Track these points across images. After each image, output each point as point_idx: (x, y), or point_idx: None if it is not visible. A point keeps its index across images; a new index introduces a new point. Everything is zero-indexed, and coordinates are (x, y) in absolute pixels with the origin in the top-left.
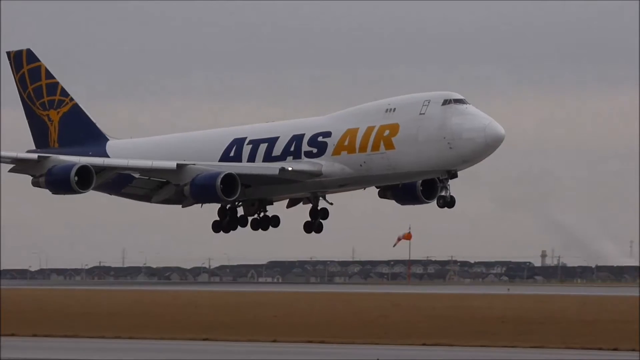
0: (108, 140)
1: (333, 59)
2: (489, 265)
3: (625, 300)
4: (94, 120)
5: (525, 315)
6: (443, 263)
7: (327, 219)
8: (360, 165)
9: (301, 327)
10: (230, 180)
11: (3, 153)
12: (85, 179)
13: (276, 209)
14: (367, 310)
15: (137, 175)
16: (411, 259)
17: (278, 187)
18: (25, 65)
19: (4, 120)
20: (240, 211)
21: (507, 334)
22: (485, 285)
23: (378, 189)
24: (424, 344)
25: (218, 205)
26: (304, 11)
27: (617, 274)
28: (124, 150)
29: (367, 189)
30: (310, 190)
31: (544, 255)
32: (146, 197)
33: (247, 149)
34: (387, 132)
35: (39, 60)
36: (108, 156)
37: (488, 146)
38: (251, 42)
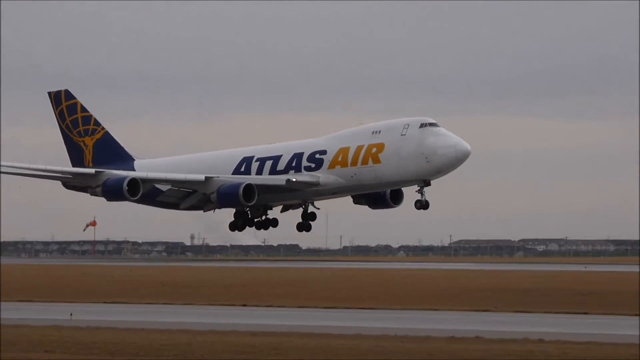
0: (134, 160)
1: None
2: (153, 244)
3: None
4: (122, 144)
5: (181, 281)
6: (119, 242)
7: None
8: (352, 177)
9: None
10: (249, 189)
11: (67, 169)
12: (133, 189)
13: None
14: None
15: (168, 187)
16: (96, 239)
17: (283, 194)
18: (64, 102)
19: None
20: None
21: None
22: (150, 260)
23: (352, 197)
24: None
25: (232, 210)
26: None
27: (245, 250)
28: (149, 167)
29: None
30: (308, 197)
31: (192, 237)
32: (175, 205)
33: (255, 165)
34: (374, 149)
35: (75, 98)
36: None
37: (458, 160)
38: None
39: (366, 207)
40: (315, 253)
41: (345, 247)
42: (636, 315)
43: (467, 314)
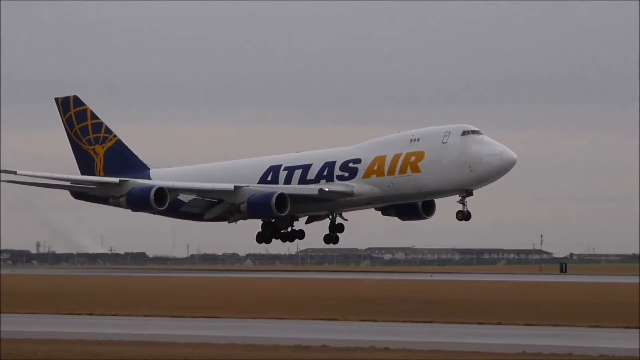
0: (149, 169)
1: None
2: None
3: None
4: (136, 153)
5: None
6: None
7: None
8: (388, 186)
9: None
10: (281, 199)
11: (89, 178)
12: (160, 199)
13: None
14: None
15: (192, 197)
16: None
17: (314, 204)
18: (73, 109)
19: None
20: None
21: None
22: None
23: (382, 208)
24: None
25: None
26: None
27: (92, 259)
28: (167, 177)
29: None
30: (341, 208)
31: (38, 245)
32: (199, 216)
33: (283, 174)
34: (413, 158)
35: (84, 105)
36: None
37: (503, 168)
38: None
39: (395, 218)
40: (162, 261)
41: (192, 256)
42: (479, 323)
43: (313, 322)
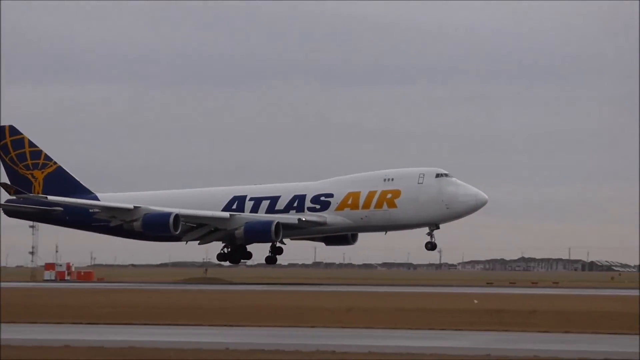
0: (92, 194)
1: None
2: None
3: None
4: (77, 179)
5: None
6: None
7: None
8: (361, 219)
9: None
10: (278, 227)
11: (104, 203)
12: (176, 224)
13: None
14: None
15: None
16: None
17: (289, 231)
18: (8, 137)
19: None
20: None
21: None
22: None
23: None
24: None
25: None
26: None
27: None
28: (119, 201)
29: None
30: (312, 235)
31: None
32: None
33: (249, 204)
34: (389, 195)
35: (21, 134)
36: None
37: (477, 207)
38: None
39: (320, 243)
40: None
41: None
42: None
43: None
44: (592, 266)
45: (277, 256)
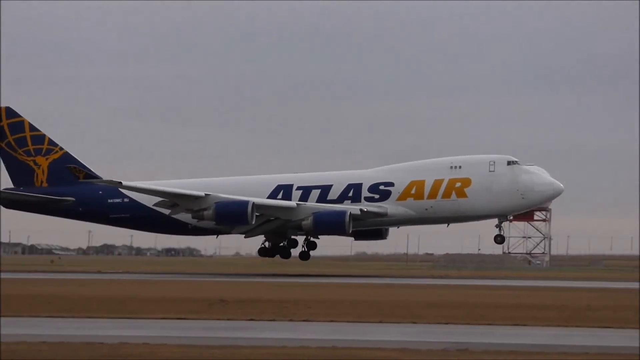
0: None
1: None
2: None
3: None
4: (88, 166)
5: None
6: None
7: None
8: (426, 209)
9: None
10: (350, 218)
11: (175, 190)
12: (252, 214)
13: None
14: None
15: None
16: None
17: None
18: (5, 120)
19: None
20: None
21: None
22: None
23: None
24: None
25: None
26: None
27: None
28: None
29: None
30: (371, 226)
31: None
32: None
33: (296, 194)
34: (458, 184)
35: (20, 116)
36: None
37: (554, 197)
38: None
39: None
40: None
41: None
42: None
43: None
44: None
45: (311, 252)
